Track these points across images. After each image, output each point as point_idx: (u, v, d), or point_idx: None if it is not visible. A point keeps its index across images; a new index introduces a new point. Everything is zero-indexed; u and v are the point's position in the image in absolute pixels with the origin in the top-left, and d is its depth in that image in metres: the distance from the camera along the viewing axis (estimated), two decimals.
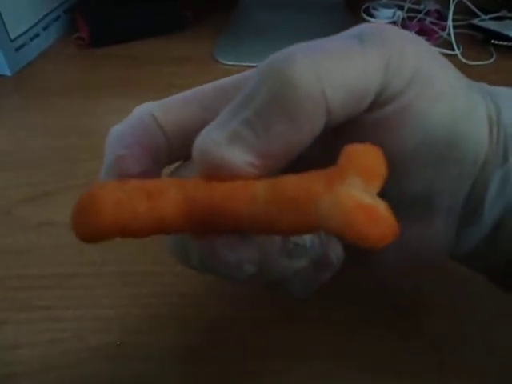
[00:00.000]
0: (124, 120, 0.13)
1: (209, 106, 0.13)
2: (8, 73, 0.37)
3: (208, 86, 0.14)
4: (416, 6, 0.49)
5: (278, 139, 0.10)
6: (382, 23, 0.12)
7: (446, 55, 0.42)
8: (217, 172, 0.10)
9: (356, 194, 0.09)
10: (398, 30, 0.12)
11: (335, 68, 0.10)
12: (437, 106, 0.12)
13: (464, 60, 0.41)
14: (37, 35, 0.40)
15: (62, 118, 0.33)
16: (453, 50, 0.42)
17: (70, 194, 0.26)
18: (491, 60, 0.41)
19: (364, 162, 0.09)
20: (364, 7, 0.51)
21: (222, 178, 0.10)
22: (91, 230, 0.10)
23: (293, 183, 0.10)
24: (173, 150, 0.13)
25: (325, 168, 0.10)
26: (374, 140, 0.12)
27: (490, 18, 0.47)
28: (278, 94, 0.10)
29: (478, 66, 0.40)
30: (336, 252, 0.13)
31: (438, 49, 0.42)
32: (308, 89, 0.10)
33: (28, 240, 0.23)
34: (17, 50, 0.38)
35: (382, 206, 0.09)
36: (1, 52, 0.36)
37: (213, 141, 0.10)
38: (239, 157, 0.10)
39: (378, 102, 0.12)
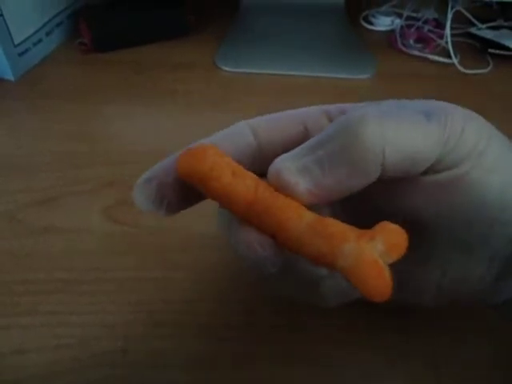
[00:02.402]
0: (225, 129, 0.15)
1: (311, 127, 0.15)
2: (11, 78, 0.38)
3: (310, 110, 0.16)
4: (414, 14, 0.50)
5: (338, 178, 0.13)
6: (447, 104, 0.14)
7: (444, 64, 0.43)
8: (283, 191, 0.13)
9: (375, 253, 0.12)
10: (461, 111, 0.14)
11: (399, 134, 0.12)
12: (489, 178, 0.13)
13: (461, 68, 0.41)
14: (40, 40, 0.41)
15: (64, 123, 0.33)
16: (450, 58, 0.42)
17: (74, 199, 0.26)
18: (488, 69, 0.42)
19: (393, 238, 0.12)
20: (363, 15, 0.52)
21: (286, 195, 0.13)
22: (190, 169, 0.12)
23: (334, 224, 0.12)
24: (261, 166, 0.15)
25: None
26: (427, 197, 0.14)
27: (487, 27, 0.48)
28: (347, 143, 0.12)
29: (474, 74, 0.41)
30: None
31: (435, 57, 0.43)
32: (371, 144, 0.12)
33: (33, 245, 0.23)
34: (20, 55, 0.38)
35: (388, 273, 0.11)
36: (4, 57, 0.36)
37: (287, 167, 0.13)
38: (303, 185, 0.13)
39: (434, 168, 0.13)
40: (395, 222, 0.14)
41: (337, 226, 0.12)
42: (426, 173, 0.14)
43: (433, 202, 0.14)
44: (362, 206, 0.16)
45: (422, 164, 0.13)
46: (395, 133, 0.12)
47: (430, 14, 0.49)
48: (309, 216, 0.12)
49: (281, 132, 0.15)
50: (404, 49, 0.45)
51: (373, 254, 0.11)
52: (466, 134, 0.13)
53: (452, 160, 0.13)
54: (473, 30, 0.47)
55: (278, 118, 0.16)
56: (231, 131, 0.15)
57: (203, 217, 0.25)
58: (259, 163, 0.15)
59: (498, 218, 0.14)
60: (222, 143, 0.14)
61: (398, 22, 0.49)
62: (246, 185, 0.13)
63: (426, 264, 0.16)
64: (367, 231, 0.12)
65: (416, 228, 0.15)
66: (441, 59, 0.43)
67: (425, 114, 0.13)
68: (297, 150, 0.13)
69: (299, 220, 0.12)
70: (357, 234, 0.12)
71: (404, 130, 0.12)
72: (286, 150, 0.15)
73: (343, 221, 0.16)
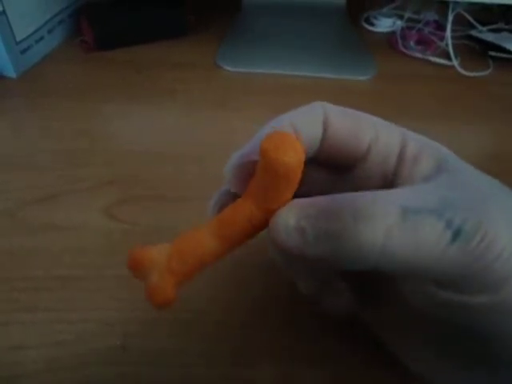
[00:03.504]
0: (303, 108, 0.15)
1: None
2: (13, 75, 0.38)
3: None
4: (416, 16, 0.50)
5: (325, 254, 0.12)
6: (496, 200, 0.12)
7: (444, 66, 0.43)
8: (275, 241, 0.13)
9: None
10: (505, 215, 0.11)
11: (404, 248, 0.11)
12: None
13: (461, 71, 0.41)
14: (42, 38, 0.41)
15: (65, 120, 0.33)
16: (450, 60, 0.42)
17: (74, 197, 0.26)
18: (488, 71, 0.42)
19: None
20: (365, 16, 0.52)
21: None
22: (271, 152, 0.13)
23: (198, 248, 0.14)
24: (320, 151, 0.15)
25: None
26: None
27: (488, 30, 0.48)
28: (343, 233, 0.11)
29: (474, 76, 0.41)
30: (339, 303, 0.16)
31: (436, 59, 0.43)
32: (364, 249, 0.11)
33: (33, 242, 0.23)
34: (22, 52, 0.38)
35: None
36: (6, 54, 0.37)
37: (285, 223, 0.13)
38: (291, 243, 0.13)
39: (458, 288, 0.12)
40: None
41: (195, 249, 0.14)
42: (443, 287, 0.12)
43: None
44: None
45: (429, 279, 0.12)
46: (399, 246, 0.11)
47: (430, 16, 0.49)
48: (213, 246, 0.14)
49: (347, 135, 0.15)
50: (405, 50, 0.45)
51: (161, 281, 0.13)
52: (502, 261, 0.11)
53: (486, 282, 0.11)
54: (473, 33, 0.48)
55: (353, 120, 0.15)
56: (306, 114, 0.15)
57: (202, 216, 0.25)
58: (319, 150, 0.15)
59: None
60: (294, 123, 0.14)
61: (399, 23, 0.49)
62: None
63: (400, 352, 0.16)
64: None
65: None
66: (441, 61, 0.43)
67: (452, 231, 0.11)
68: (308, 204, 0.13)
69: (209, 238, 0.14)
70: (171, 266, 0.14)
71: (413, 249, 0.11)
72: (342, 154, 0.15)
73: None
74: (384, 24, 0.50)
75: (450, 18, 0.43)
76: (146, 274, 0.14)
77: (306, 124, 0.14)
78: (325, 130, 0.15)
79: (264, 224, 0.13)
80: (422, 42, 0.46)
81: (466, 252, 0.11)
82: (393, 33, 0.49)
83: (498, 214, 0.12)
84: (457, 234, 0.11)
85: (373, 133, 0.15)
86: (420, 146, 0.14)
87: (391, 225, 0.11)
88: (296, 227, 0.12)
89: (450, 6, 0.44)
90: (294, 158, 0.12)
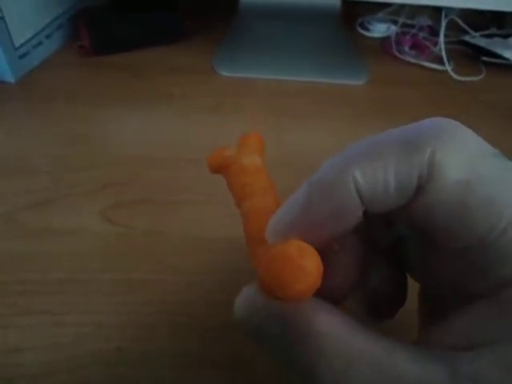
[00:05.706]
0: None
1: None
2: (11, 80, 0.38)
3: None
4: (410, 22, 0.51)
5: None
6: None
7: (437, 70, 0.43)
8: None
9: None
10: None
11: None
12: None
13: (454, 75, 0.42)
14: (40, 43, 0.41)
15: (63, 125, 0.34)
16: (443, 65, 0.43)
17: (72, 201, 0.27)
18: (480, 76, 0.42)
19: None
20: (359, 21, 0.53)
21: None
22: None
23: None
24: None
25: None
26: None
27: (480, 35, 0.49)
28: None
29: (467, 81, 0.42)
30: None
31: (429, 64, 0.44)
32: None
33: (30, 246, 0.23)
34: (20, 57, 0.39)
35: None
36: (5, 59, 0.37)
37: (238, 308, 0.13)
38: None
39: None
40: None
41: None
42: None
43: None
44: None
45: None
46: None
47: (424, 21, 0.50)
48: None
49: (461, 211, 0.10)
50: (399, 55, 0.46)
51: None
52: None
53: None
54: (466, 38, 0.48)
55: (487, 188, 0.10)
56: (395, 146, 0.10)
57: (198, 220, 0.26)
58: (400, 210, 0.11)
59: None
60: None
61: (393, 28, 0.50)
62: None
63: None
64: None
65: None
66: (435, 66, 0.44)
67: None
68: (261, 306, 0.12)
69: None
70: None
71: None
72: (436, 230, 0.10)
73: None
74: (378, 29, 0.51)
75: (444, 23, 0.44)
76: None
77: (385, 167, 0.10)
78: (420, 189, 0.10)
79: None
80: (416, 47, 0.47)
81: None
82: (387, 38, 0.49)
83: None
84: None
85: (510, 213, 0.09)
86: None
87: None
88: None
89: (444, 12, 0.44)
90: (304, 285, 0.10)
